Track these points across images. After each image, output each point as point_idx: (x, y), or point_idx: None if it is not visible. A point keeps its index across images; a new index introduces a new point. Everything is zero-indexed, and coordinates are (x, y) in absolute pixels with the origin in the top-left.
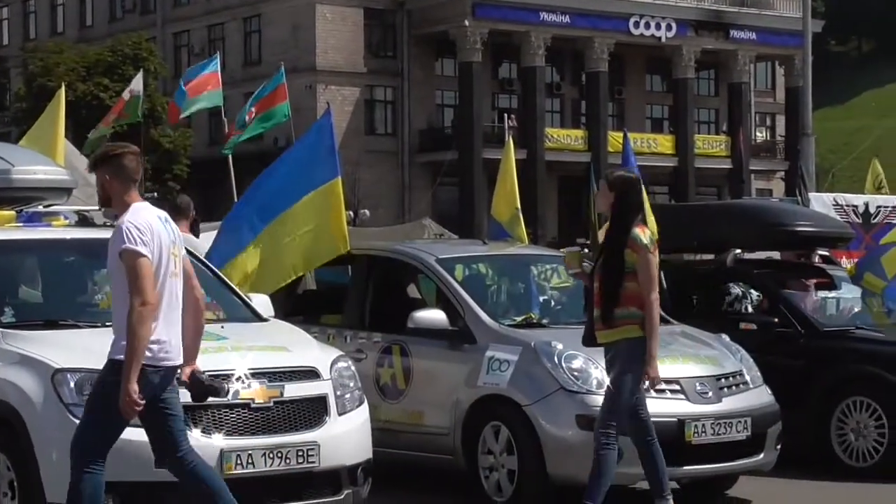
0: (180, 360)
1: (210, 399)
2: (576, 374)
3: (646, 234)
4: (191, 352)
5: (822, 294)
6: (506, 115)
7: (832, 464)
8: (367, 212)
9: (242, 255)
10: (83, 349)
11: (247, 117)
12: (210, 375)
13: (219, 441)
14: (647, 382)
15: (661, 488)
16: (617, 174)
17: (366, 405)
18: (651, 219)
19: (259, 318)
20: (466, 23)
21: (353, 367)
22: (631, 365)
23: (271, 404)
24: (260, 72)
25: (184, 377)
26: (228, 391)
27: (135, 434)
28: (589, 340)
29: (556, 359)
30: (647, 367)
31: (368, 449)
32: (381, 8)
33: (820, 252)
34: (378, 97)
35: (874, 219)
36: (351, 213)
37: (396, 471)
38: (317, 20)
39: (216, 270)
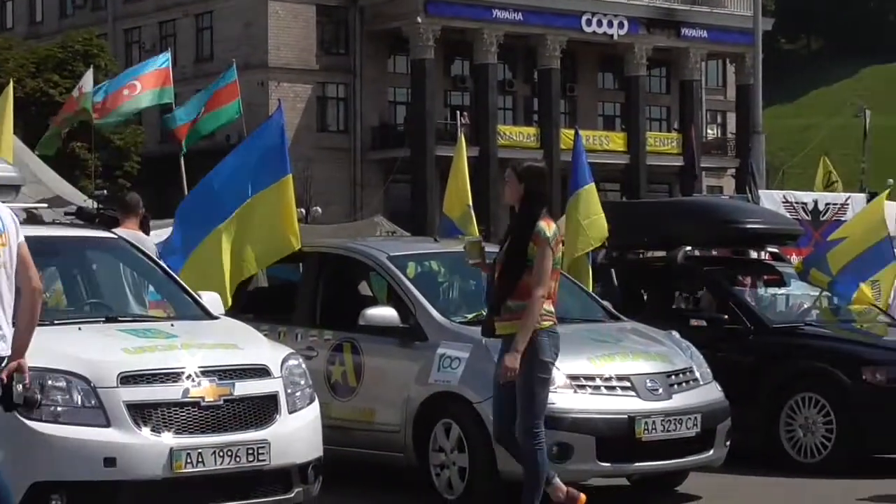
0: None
1: (159, 397)
2: None
3: (550, 228)
4: (19, 346)
5: (771, 291)
6: (458, 112)
7: (781, 459)
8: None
9: (196, 254)
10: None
11: (199, 114)
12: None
13: (168, 439)
14: (506, 374)
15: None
16: (526, 165)
17: (316, 403)
18: (602, 216)
19: (209, 315)
20: (419, 20)
21: (303, 365)
22: (534, 360)
23: (221, 402)
24: (212, 68)
25: (4, 374)
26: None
27: (81, 433)
28: (487, 331)
29: None
30: (507, 357)
31: (319, 447)
32: (334, 5)
33: (769, 249)
34: (330, 94)
35: (823, 216)
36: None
37: (348, 468)
38: (269, 17)
39: (165, 268)
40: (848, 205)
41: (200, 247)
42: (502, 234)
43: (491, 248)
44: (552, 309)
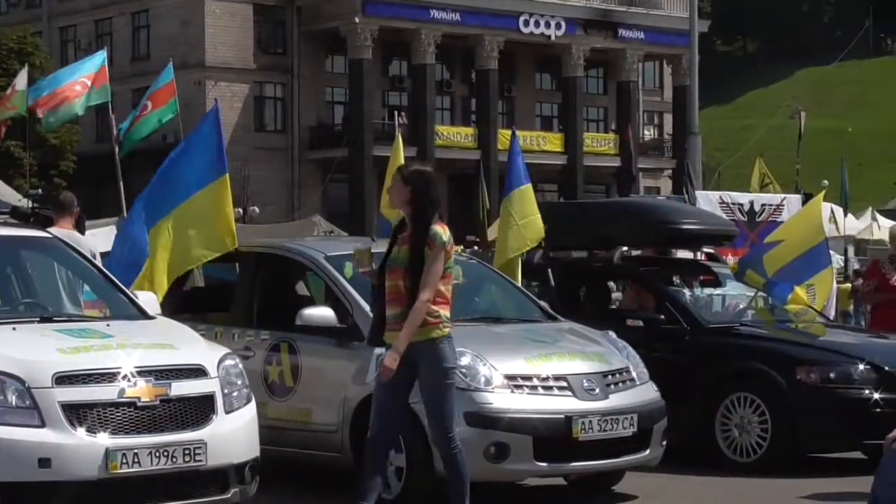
0: None
1: (95, 397)
2: (464, 371)
3: (446, 232)
4: None
5: (707, 291)
6: (396, 112)
7: (717, 459)
8: (256, 209)
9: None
10: None
11: (141, 112)
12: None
13: (104, 440)
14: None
15: (365, 494)
16: (412, 168)
17: (253, 403)
18: (538, 216)
19: (145, 315)
20: (357, 20)
21: (240, 365)
22: (437, 368)
23: (157, 402)
24: (148, 67)
25: None
26: None
27: (15, 434)
28: (375, 340)
29: None
30: (387, 357)
31: (256, 447)
32: (271, 4)
33: (705, 249)
34: (268, 94)
35: (759, 217)
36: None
37: (285, 468)
38: (206, 16)
39: (101, 268)
40: (783, 206)
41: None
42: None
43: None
44: (448, 314)
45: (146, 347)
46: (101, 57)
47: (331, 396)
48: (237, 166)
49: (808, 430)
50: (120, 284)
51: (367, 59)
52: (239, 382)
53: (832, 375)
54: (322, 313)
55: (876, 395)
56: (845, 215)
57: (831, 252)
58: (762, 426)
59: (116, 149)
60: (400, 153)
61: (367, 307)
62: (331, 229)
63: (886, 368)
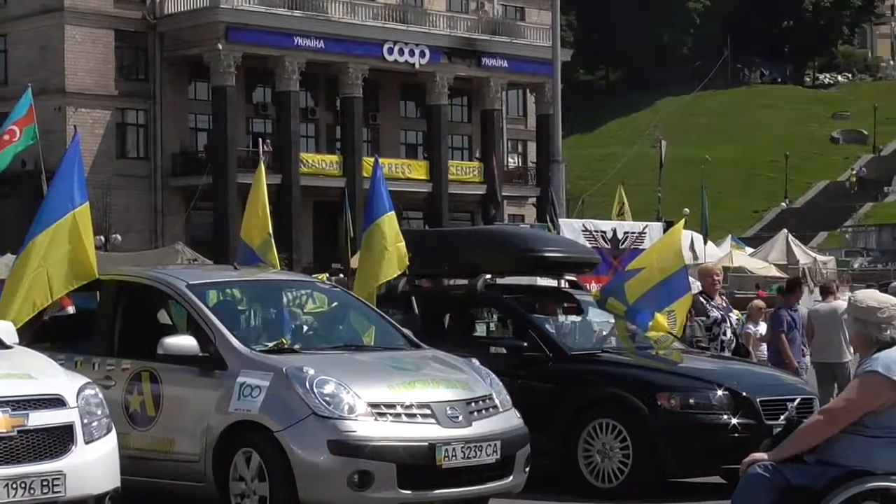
0: None
1: None
2: (327, 399)
3: None
4: None
5: (570, 318)
6: (260, 139)
7: (579, 485)
8: (118, 236)
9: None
10: None
11: (9, 139)
12: None
13: None
14: None
15: None
16: None
17: (114, 433)
18: (403, 244)
19: (2, 345)
20: (220, 46)
21: (100, 395)
22: None
23: (14, 433)
24: (7, 93)
25: None
26: None
27: None
28: None
29: (307, 384)
30: None
31: (116, 477)
32: (133, 30)
33: (568, 277)
34: (130, 120)
35: (622, 244)
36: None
37: (147, 499)
38: (66, 41)
39: None
40: (646, 233)
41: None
42: (304, 262)
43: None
44: None
45: (3, 377)
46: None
47: (193, 426)
48: (99, 193)
49: (669, 455)
50: None
51: (230, 86)
52: (99, 412)
53: (691, 401)
54: (184, 342)
55: (734, 421)
56: (705, 243)
57: (691, 279)
58: (623, 452)
59: None
60: (262, 181)
61: (229, 335)
62: (194, 257)
63: (744, 394)
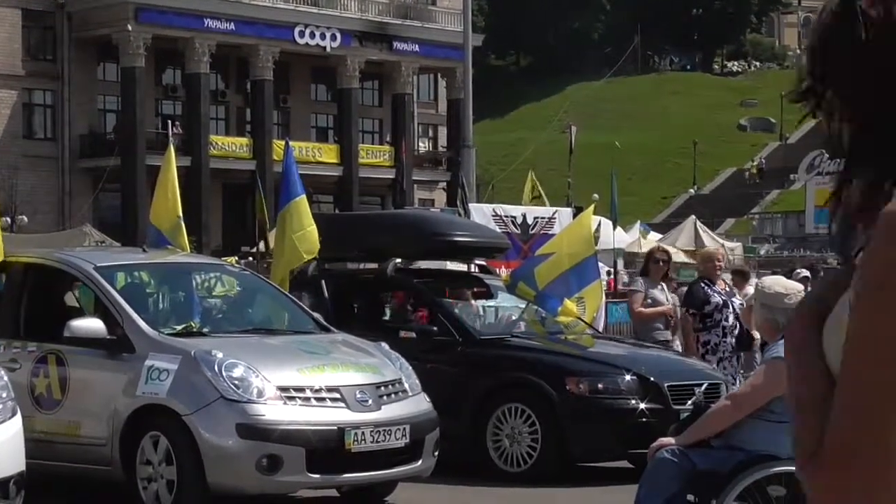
0: None
1: None
2: (236, 382)
3: None
4: None
5: (479, 303)
6: (170, 121)
7: (488, 469)
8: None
9: None
10: None
11: None
12: None
13: None
14: None
15: None
16: None
17: (19, 416)
18: (313, 228)
19: None
20: (129, 27)
21: (5, 378)
22: None
23: None
24: None
25: None
26: None
27: None
28: None
29: (216, 367)
30: None
31: (21, 461)
32: (41, 10)
33: (478, 261)
34: (37, 101)
35: (532, 229)
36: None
37: (53, 483)
38: None
39: None
40: (555, 218)
41: None
42: (213, 245)
43: (197, 259)
44: None
45: None
46: None
47: (100, 409)
48: (5, 175)
49: (577, 439)
50: None
51: (139, 68)
52: (4, 395)
53: (600, 386)
54: (91, 325)
55: (641, 405)
56: (614, 228)
57: (601, 264)
58: (532, 436)
59: None
60: (172, 163)
61: (137, 318)
62: (102, 239)
63: (651, 379)
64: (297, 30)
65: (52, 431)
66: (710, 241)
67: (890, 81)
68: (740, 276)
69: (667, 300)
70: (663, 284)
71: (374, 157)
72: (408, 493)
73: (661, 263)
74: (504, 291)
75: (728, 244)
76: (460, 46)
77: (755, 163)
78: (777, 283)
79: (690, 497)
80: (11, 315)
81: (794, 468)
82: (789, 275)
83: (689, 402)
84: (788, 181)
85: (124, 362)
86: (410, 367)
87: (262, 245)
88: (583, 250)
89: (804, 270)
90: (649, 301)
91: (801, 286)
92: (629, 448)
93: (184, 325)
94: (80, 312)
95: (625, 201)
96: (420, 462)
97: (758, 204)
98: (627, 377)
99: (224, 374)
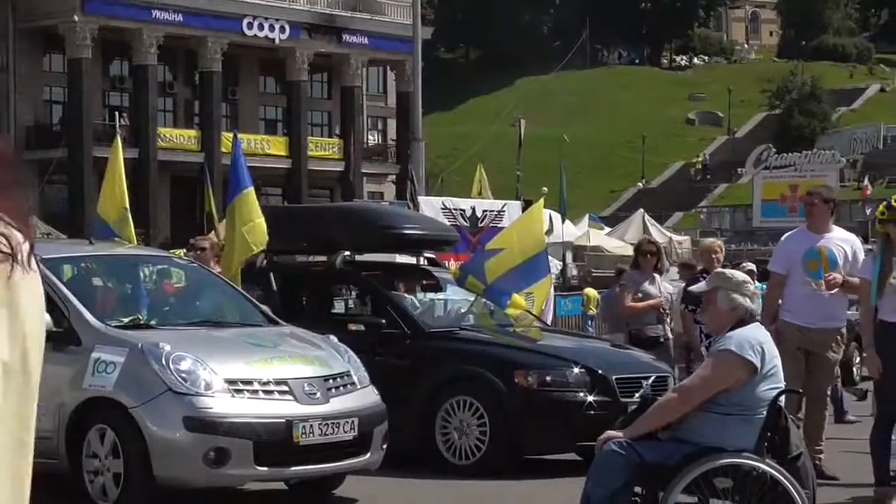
0: None
1: None
2: (184, 375)
3: None
4: None
5: (428, 296)
6: (117, 113)
7: (437, 462)
8: None
9: None
10: None
11: None
12: None
13: None
14: None
15: None
16: None
17: None
18: (262, 220)
19: None
20: (76, 18)
21: None
22: None
23: None
24: None
25: None
26: None
27: None
28: None
29: (163, 360)
30: None
31: None
32: None
33: (427, 254)
34: None
35: (481, 222)
36: None
37: None
38: None
39: None
40: (504, 212)
41: None
42: (161, 237)
43: (145, 251)
44: None
45: None
46: None
47: (46, 402)
48: None
49: (525, 432)
50: None
51: (86, 59)
52: None
53: (548, 379)
54: None
55: (589, 398)
56: (563, 221)
57: (550, 258)
58: (481, 429)
59: None
60: (119, 155)
61: (83, 310)
62: (48, 231)
63: (599, 371)
64: (245, 21)
65: None
66: (659, 234)
67: None
68: (688, 270)
69: (659, 292)
70: (655, 276)
71: (323, 149)
72: (356, 486)
73: (649, 256)
74: (453, 284)
75: (676, 238)
76: (409, 39)
77: (700, 158)
78: (735, 273)
79: (638, 489)
80: None
81: (740, 461)
82: (735, 268)
83: (637, 394)
84: (736, 175)
85: (71, 355)
86: (359, 360)
87: (211, 237)
88: (534, 246)
89: (750, 264)
90: (640, 295)
91: (748, 277)
92: (577, 441)
93: (131, 318)
94: None
95: (573, 194)
96: (368, 455)
97: (706, 198)
98: (576, 370)
99: (171, 366)
